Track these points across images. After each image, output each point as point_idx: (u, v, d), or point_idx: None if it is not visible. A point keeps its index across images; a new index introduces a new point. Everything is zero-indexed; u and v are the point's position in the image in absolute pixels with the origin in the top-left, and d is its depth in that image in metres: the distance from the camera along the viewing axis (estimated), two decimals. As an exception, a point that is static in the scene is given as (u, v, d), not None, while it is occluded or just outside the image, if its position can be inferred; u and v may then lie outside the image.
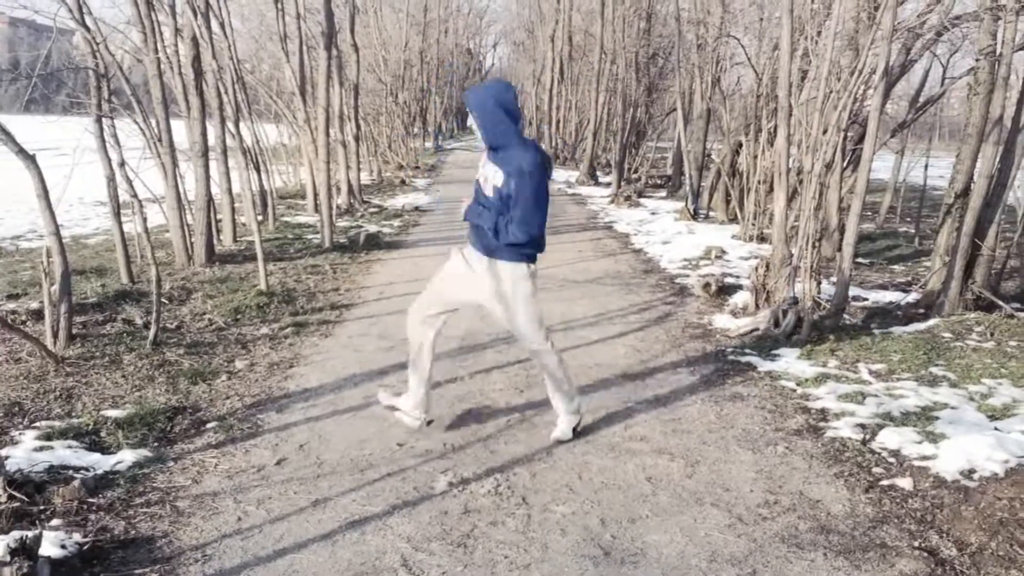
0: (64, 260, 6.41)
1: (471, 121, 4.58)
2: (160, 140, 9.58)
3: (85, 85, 8.76)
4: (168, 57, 9.92)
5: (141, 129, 9.50)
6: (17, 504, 3.82)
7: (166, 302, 7.85)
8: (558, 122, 34.86)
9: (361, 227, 13.94)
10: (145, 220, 7.70)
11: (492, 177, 4.51)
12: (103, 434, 4.86)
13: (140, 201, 7.66)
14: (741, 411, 5.56)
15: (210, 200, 10.27)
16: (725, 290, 9.15)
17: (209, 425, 5.12)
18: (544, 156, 4.54)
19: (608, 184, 22.71)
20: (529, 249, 4.59)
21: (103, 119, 8.10)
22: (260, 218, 12.51)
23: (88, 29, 8.00)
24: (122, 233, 8.86)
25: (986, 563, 3.63)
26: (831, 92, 7.56)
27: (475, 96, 4.50)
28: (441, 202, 18.12)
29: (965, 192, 8.44)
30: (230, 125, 11.30)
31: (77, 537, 3.64)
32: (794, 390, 5.98)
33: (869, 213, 17.09)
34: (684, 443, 4.99)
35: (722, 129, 16.30)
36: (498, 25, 64.63)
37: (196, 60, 9.97)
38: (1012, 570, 3.55)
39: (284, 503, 4.11)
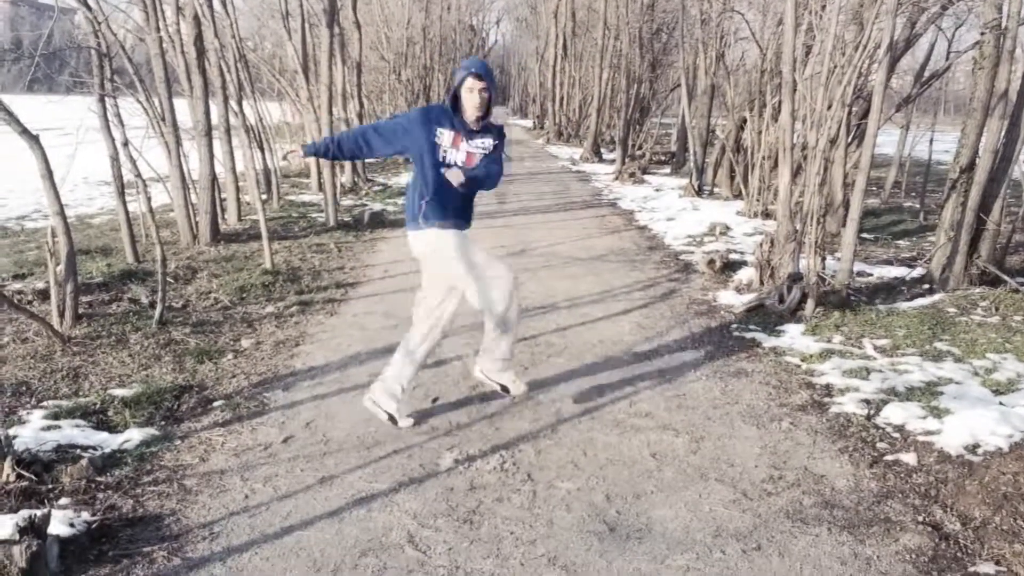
0: (69, 240, 6.42)
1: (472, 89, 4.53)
2: (163, 119, 9.57)
3: (88, 65, 8.75)
4: (170, 36, 9.89)
5: (144, 108, 9.49)
6: (25, 483, 3.84)
7: (171, 281, 7.86)
8: (562, 99, 34.77)
9: (365, 205, 13.94)
10: (149, 199, 7.71)
11: (480, 147, 4.55)
12: (110, 413, 4.88)
13: (144, 181, 7.66)
14: (746, 387, 5.57)
15: (214, 179, 10.27)
16: (729, 266, 9.15)
17: (216, 404, 5.14)
18: None
19: (612, 161, 22.67)
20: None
21: (106, 99, 8.08)
22: (264, 197, 12.52)
23: (90, 8, 7.97)
24: (127, 213, 8.87)
25: (990, 537, 3.64)
26: (835, 67, 7.52)
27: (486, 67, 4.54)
28: None
29: (970, 167, 8.40)
30: (233, 104, 11.26)
31: (85, 515, 3.66)
32: (798, 366, 5.98)
33: (874, 188, 17.03)
34: (689, 419, 5.00)
35: (726, 105, 16.22)
36: (501, 1, 64.28)
37: (198, 39, 9.93)
38: (1016, 544, 3.57)
39: (291, 480, 4.13)
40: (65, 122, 8.20)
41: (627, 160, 21.27)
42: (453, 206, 4.53)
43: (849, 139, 10.09)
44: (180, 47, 10.01)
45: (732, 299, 7.89)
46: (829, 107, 7.50)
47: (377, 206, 13.81)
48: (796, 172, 8.28)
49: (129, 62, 9.37)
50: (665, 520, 3.79)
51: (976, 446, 4.49)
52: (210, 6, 9.71)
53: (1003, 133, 7.86)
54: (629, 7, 22.11)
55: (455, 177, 4.42)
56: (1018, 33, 7.78)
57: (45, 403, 5.00)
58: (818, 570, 3.41)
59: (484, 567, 3.42)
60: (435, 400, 5.22)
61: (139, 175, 7.54)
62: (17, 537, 3.13)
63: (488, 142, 4.56)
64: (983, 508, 3.87)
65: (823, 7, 8.52)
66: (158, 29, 9.45)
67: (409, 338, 4.77)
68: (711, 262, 9.18)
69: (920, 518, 3.82)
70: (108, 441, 4.50)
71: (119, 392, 5.18)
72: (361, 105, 18.69)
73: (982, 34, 8.42)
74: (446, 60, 42.69)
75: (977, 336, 6.45)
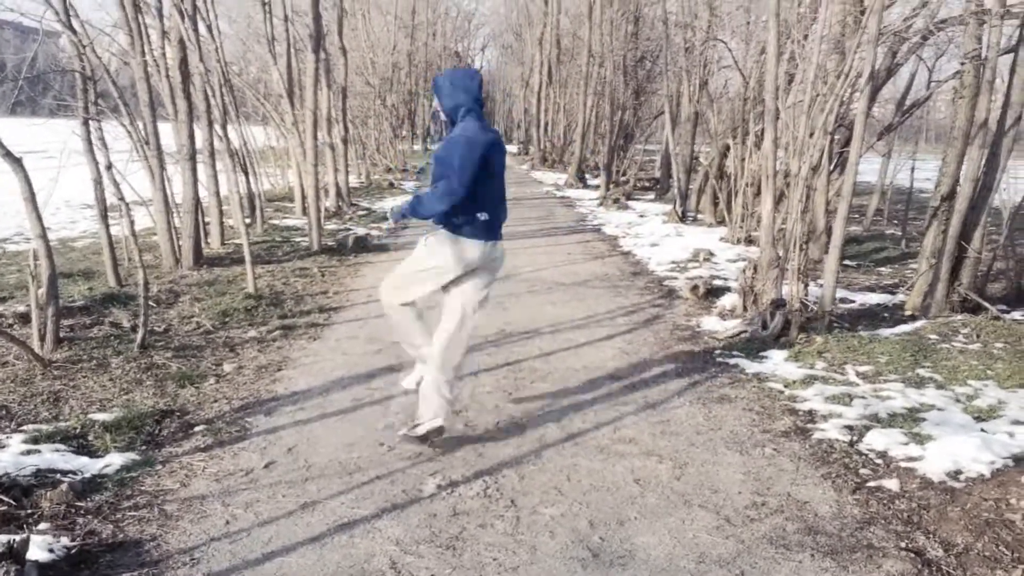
0: (51, 263, 6.39)
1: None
2: (147, 143, 9.55)
3: (72, 88, 8.73)
4: (155, 60, 9.90)
5: (128, 132, 9.46)
6: (4, 508, 3.80)
7: (153, 305, 7.83)
8: (546, 125, 34.91)
9: (349, 230, 13.92)
10: (132, 223, 7.67)
11: None
12: (91, 437, 4.84)
13: (127, 204, 7.63)
14: (729, 413, 5.58)
15: (198, 203, 10.25)
16: (713, 292, 9.18)
17: (197, 428, 5.10)
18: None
19: (596, 187, 22.75)
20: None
21: (90, 122, 8.07)
22: (248, 221, 12.49)
23: (75, 32, 7.97)
24: (109, 236, 8.83)
25: (972, 563, 3.65)
26: (818, 95, 7.59)
27: None
28: None
29: (951, 195, 8.49)
30: (217, 128, 11.27)
31: (65, 541, 3.63)
32: (782, 392, 6.00)
33: (856, 216, 17.14)
34: (672, 445, 5.00)
35: (710, 132, 16.35)
36: (486, 28, 64.66)
37: (183, 63, 9.94)
38: (998, 570, 3.57)
39: (272, 506, 4.10)
40: (48, 145, 8.18)
41: (611, 186, 21.38)
42: None
43: (831, 167, 10.19)
44: (165, 71, 10.01)
45: (715, 325, 7.91)
46: (811, 135, 7.56)
47: (361, 230, 13.79)
48: (779, 199, 8.33)
49: (114, 85, 9.35)
50: (649, 546, 3.78)
51: (958, 472, 4.50)
52: (195, 30, 9.73)
53: (983, 162, 7.94)
54: (613, 35, 22.28)
55: None
56: (998, 63, 7.88)
57: (25, 427, 4.95)
58: (802, 597, 3.41)
59: (467, 594, 3.40)
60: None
61: (122, 198, 7.51)
62: (-6, 563, 3.10)
63: None
64: (965, 534, 3.88)
65: (805, 36, 8.62)
66: (143, 53, 9.45)
67: None
68: (695, 288, 9.21)
69: (903, 544, 3.82)
70: (88, 466, 4.46)
71: (100, 416, 5.14)
72: (346, 130, 18.72)
73: (962, 64, 8.54)
74: (431, 86, 42.87)
75: (959, 363, 6.48)
